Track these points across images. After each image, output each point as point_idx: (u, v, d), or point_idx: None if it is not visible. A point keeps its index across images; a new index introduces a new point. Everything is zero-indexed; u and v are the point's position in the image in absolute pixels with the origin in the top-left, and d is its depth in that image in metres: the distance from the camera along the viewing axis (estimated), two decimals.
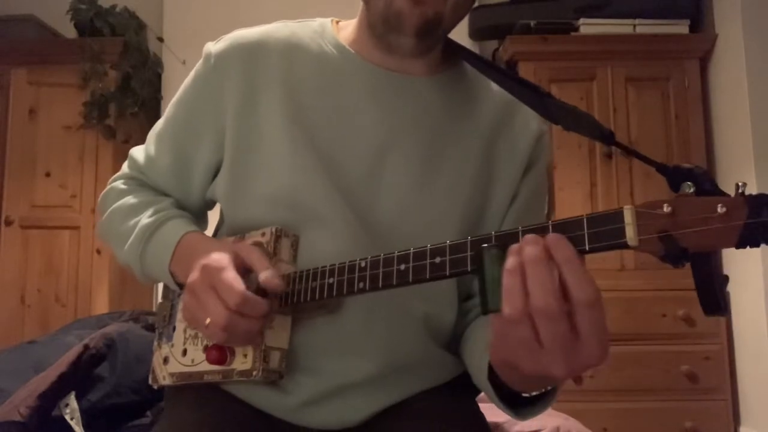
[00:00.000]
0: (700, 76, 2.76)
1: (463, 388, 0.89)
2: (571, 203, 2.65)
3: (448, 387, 0.88)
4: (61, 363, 1.35)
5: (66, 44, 2.97)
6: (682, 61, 2.75)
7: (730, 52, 2.66)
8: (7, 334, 2.67)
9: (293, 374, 0.81)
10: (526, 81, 0.79)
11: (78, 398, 1.32)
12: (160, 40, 3.05)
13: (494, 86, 0.88)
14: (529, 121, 0.90)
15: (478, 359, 0.77)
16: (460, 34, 0.75)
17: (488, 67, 0.84)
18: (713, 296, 0.51)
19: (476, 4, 3.00)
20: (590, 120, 0.71)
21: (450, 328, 0.87)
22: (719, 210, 0.50)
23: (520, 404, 0.68)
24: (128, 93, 2.87)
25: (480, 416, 0.90)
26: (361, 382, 0.82)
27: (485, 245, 0.58)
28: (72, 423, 1.29)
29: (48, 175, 2.85)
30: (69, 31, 3.02)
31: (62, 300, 2.79)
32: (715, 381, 2.53)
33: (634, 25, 2.76)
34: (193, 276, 0.75)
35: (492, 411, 0.86)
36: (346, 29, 0.92)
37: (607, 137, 0.69)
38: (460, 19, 0.85)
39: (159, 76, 3.05)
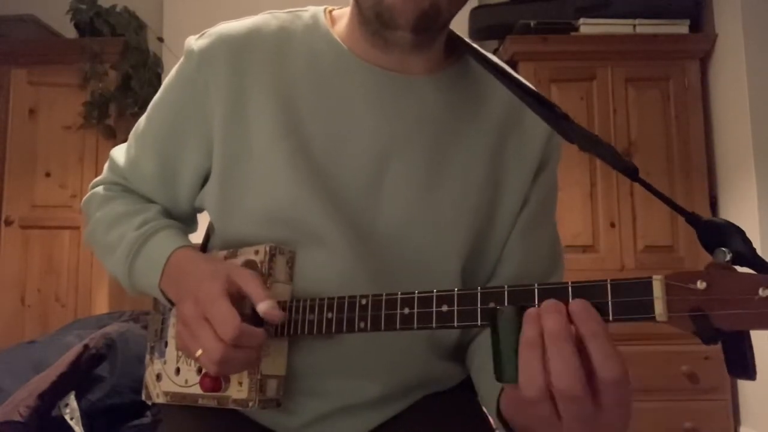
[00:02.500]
0: (700, 76, 2.76)
1: (465, 388, 0.89)
2: (571, 203, 2.64)
3: (451, 388, 0.87)
4: (61, 363, 1.35)
5: (66, 44, 2.97)
6: (682, 61, 2.75)
7: (730, 52, 2.66)
8: (7, 334, 2.67)
9: (295, 396, 0.78)
10: (541, 96, 0.73)
11: (78, 398, 1.32)
12: (160, 40, 3.05)
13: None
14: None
15: (485, 390, 0.74)
16: (459, 33, 0.74)
17: (499, 72, 0.77)
18: (743, 364, 0.48)
19: (476, 4, 3.00)
20: (613, 152, 0.66)
21: (454, 342, 0.84)
22: (761, 293, 0.45)
23: None
24: (128, 93, 2.87)
25: (483, 416, 0.88)
26: (366, 402, 0.80)
27: (499, 307, 0.53)
28: (72, 423, 1.29)
29: (48, 175, 2.85)
30: (69, 31, 3.02)
31: (62, 300, 2.79)
32: (715, 381, 2.52)
33: (634, 25, 2.76)
34: (186, 306, 0.70)
35: None
36: (340, 21, 0.84)
37: (630, 171, 0.64)
38: (460, 7, 0.77)
39: (159, 76, 3.05)
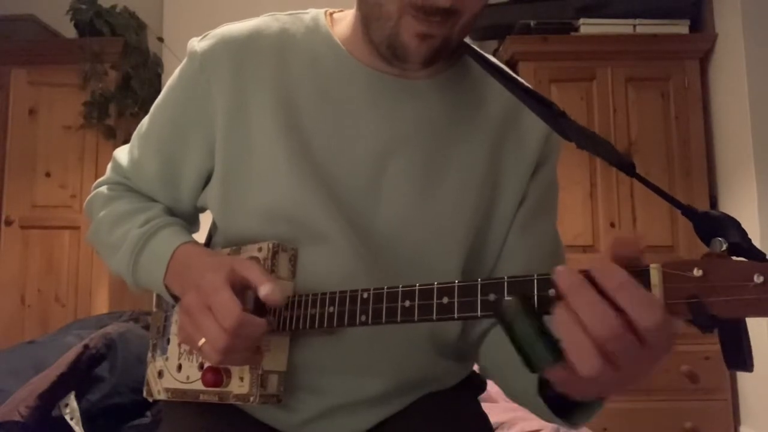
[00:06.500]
0: (700, 76, 2.76)
1: (466, 388, 0.89)
2: (571, 203, 2.64)
3: (451, 387, 0.87)
4: (61, 363, 1.35)
5: (66, 44, 2.97)
6: (682, 61, 2.75)
7: (730, 52, 2.66)
8: (7, 334, 2.67)
9: (296, 392, 0.79)
10: (539, 95, 0.73)
11: (78, 398, 1.32)
12: (160, 40, 3.05)
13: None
14: (538, 117, 0.83)
15: (522, 381, 0.71)
16: None
17: (497, 72, 0.78)
18: (740, 355, 0.48)
19: None
20: (609, 147, 0.66)
21: (455, 340, 0.84)
22: (756, 279, 0.45)
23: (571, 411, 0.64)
24: (128, 93, 2.87)
25: (483, 416, 0.89)
26: (367, 399, 0.80)
27: (503, 301, 0.53)
28: (72, 423, 1.29)
29: (48, 175, 2.85)
30: (69, 31, 3.02)
31: (62, 300, 2.79)
32: (715, 381, 2.52)
33: (634, 25, 2.75)
34: (189, 296, 0.71)
35: (494, 411, 0.85)
36: (341, 23, 0.85)
37: (627, 167, 0.64)
38: (468, 32, 0.79)
39: (159, 76, 3.05)
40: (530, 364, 0.52)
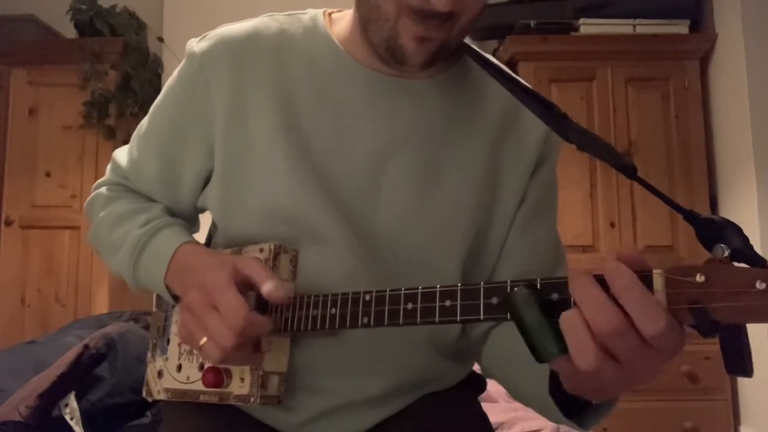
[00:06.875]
0: (700, 76, 2.76)
1: (466, 388, 0.89)
2: (571, 204, 2.64)
3: (451, 387, 0.87)
4: (61, 363, 1.35)
5: (66, 44, 2.97)
6: (682, 61, 2.75)
7: (730, 52, 2.66)
8: (7, 334, 2.67)
9: (296, 393, 0.79)
10: (540, 96, 0.73)
11: (78, 398, 1.32)
12: (160, 40, 3.05)
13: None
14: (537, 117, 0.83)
15: (531, 380, 0.71)
16: None
17: (497, 72, 0.78)
18: (740, 361, 0.48)
19: None
20: (610, 150, 0.66)
21: (456, 340, 0.84)
22: (758, 285, 0.46)
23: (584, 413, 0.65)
24: (128, 93, 2.87)
25: (483, 416, 0.89)
26: (367, 399, 0.80)
27: (512, 292, 0.54)
28: (72, 423, 1.29)
29: (48, 175, 2.85)
30: (69, 31, 3.02)
31: (62, 300, 2.79)
32: (715, 381, 2.52)
33: (634, 25, 2.76)
34: (192, 295, 0.70)
35: (494, 411, 0.85)
36: (339, 23, 0.85)
37: (628, 170, 0.64)
38: (468, 34, 0.79)
39: (159, 76, 3.05)
40: (538, 353, 0.52)
